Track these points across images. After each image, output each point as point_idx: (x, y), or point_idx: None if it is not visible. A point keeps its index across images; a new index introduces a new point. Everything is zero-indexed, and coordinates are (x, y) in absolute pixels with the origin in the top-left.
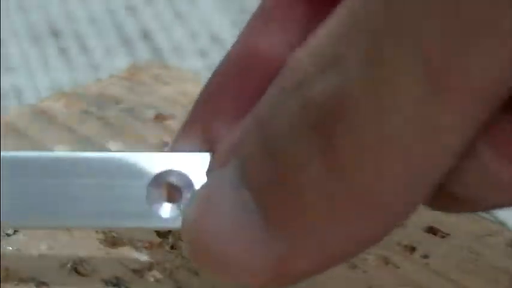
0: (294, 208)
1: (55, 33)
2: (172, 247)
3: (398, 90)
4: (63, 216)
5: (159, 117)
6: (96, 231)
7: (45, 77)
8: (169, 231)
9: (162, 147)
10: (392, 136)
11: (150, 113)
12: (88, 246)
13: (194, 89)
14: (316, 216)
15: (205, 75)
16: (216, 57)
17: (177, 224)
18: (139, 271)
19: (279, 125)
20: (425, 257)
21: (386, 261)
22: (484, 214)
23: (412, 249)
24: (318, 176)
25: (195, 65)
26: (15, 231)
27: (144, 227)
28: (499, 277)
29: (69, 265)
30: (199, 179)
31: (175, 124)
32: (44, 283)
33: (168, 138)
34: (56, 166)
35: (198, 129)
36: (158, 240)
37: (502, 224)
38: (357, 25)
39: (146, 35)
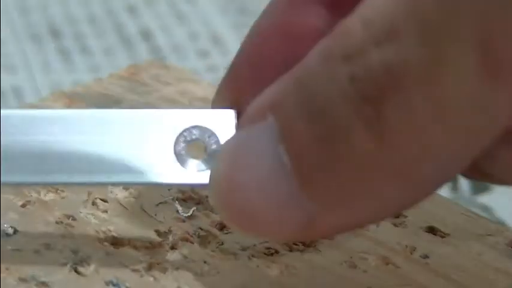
0: (331, 172)
1: (55, 33)
2: (172, 247)
3: (455, 72)
4: (96, 173)
5: None
6: (97, 231)
7: (45, 77)
8: (170, 231)
9: None
10: (443, 113)
11: None
12: (88, 246)
13: (194, 89)
14: (351, 182)
15: (205, 75)
16: (216, 57)
17: (203, 180)
18: (139, 271)
19: (323, 90)
20: (425, 257)
21: (386, 261)
22: (484, 214)
23: (412, 249)
24: (361, 144)
25: (195, 65)
26: (15, 231)
27: (171, 184)
28: (499, 277)
29: (69, 265)
30: (224, 134)
31: None
32: (44, 283)
33: None
34: (81, 123)
35: (227, 96)
36: (158, 240)
37: (502, 224)
38: (416, 2)
39: (146, 35)
